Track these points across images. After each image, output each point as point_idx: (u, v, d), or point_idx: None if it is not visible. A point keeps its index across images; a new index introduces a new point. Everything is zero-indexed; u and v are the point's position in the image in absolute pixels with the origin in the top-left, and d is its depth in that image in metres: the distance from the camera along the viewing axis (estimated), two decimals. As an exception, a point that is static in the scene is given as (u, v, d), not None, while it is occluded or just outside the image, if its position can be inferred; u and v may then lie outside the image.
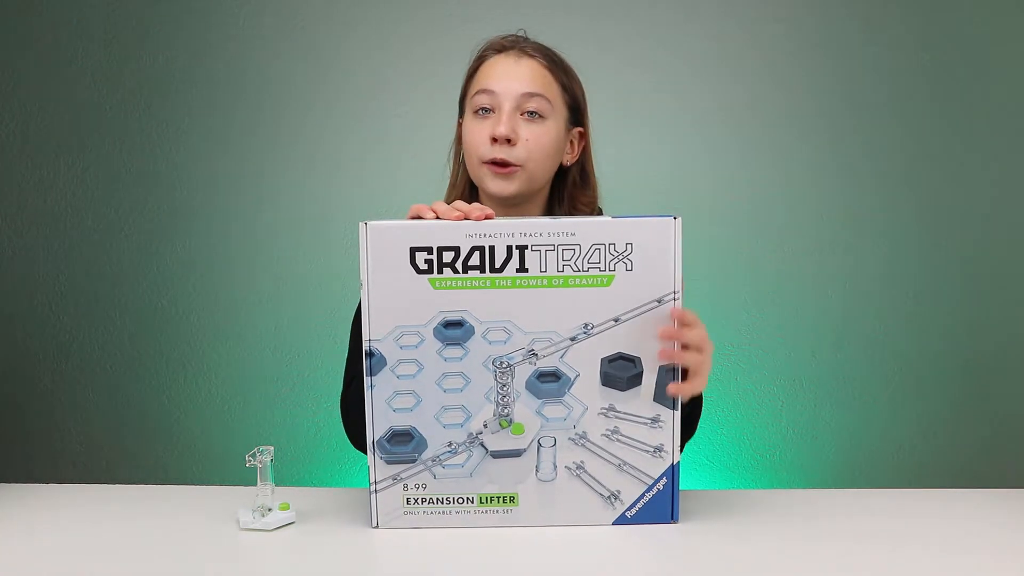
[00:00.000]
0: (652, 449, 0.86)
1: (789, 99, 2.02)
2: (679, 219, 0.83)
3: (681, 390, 0.86)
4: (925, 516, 0.89)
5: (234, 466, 1.99)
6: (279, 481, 0.90)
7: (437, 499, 0.87)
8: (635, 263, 0.83)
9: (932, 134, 2.02)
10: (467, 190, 1.13)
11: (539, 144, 1.04)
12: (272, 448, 0.89)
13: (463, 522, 0.87)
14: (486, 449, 0.86)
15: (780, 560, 0.79)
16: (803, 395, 2.06)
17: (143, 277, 2.08)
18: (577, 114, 1.11)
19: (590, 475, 0.86)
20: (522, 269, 0.84)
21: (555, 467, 0.86)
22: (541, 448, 0.86)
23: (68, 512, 0.93)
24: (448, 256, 0.84)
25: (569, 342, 0.85)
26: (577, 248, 0.84)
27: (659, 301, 0.84)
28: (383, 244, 0.84)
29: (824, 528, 0.86)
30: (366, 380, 0.87)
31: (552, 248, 0.84)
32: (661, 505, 0.87)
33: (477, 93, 1.05)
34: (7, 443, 2.11)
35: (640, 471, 0.86)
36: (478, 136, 1.04)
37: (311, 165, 2.05)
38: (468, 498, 0.87)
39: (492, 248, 0.84)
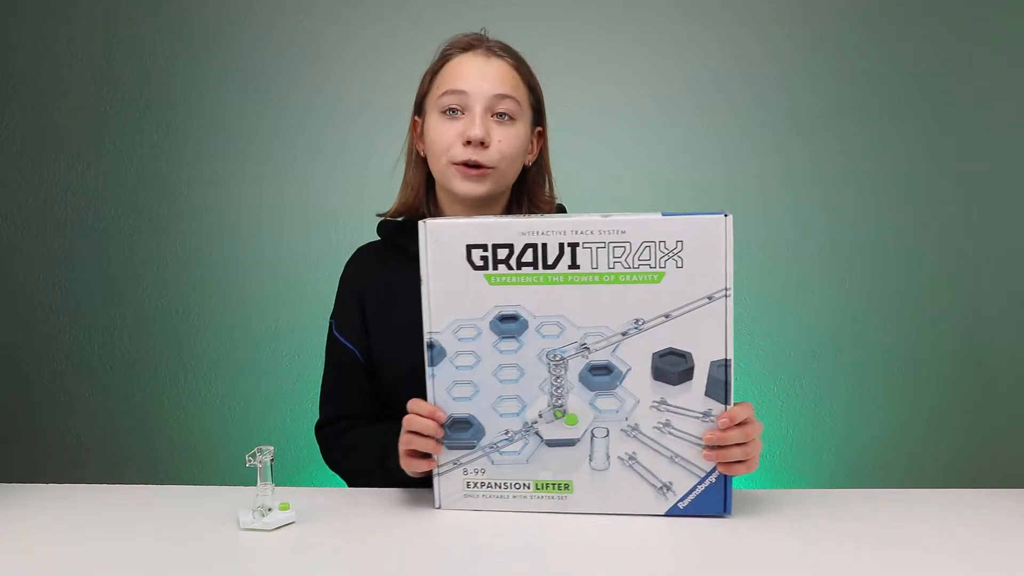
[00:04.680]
0: (704, 443, 0.87)
1: (793, 100, 2.02)
2: (730, 216, 0.83)
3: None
4: (924, 516, 0.89)
5: (234, 466, 2.00)
6: (279, 481, 0.90)
7: (495, 483, 0.91)
8: (685, 260, 0.84)
9: (935, 134, 2.02)
10: (423, 190, 1.13)
11: (511, 146, 1.05)
12: (272, 448, 0.89)
13: (520, 506, 0.90)
14: (541, 438, 0.89)
15: (780, 561, 0.79)
16: (803, 395, 2.06)
17: (143, 277, 2.08)
18: (539, 114, 1.12)
19: (642, 466, 0.88)
20: (574, 266, 0.86)
21: (608, 457, 0.88)
22: (594, 438, 0.88)
23: (68, 512, 0.93)
24: (503, 253, 0.87)
25: (620, 337, 0.86)
26: (628, 245, 0.85)
27: (710, 298, 0.84)
28: (441, 241, 0.88)
29: (824, 528, 0.86)
30: (427, 370, 0.90)
31: (603, 245, 0.85)
32: (714, 498, 0.87)
33: (446, 93, 1.04)
34: (7, 443, 2.11)
35: (692, 463, 0.87)
36: (447, 137, 1.04)
37: (312, 165, 2.05)
38: (524, 484, 0.90)
39: (545, 245, 0.86)
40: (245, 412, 2.10)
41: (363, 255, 1.19)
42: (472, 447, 0.90)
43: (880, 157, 2.03)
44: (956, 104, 2.01)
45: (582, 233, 0.85)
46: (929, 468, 2.07)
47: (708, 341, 0.85)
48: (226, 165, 2.06)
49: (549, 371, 0.88)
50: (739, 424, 0.86)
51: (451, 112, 1.04)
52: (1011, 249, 2.04)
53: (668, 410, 0.87)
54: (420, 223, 0.88)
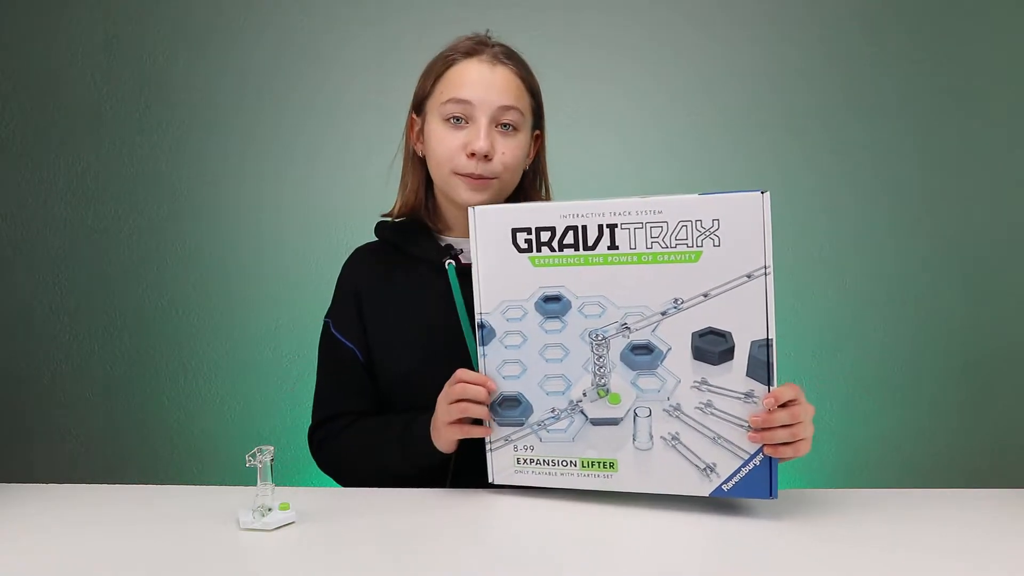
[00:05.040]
0: (747, 424, 0.85)
1: (790, 101, 2.02)
2: (767, 194, 0.82)
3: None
4: (924, 516, 0.89)
5: (234, 466, 2.01)
6: (279, 481, 0.90)
7: (543, 460, 0.93)
8: (723, 239, 0.83)
9: (934, 136, 2.02)
10: (422, 190, 1.13)
11: (513, 156, 1.05)
12: (272, 448, 0.89)
13: (567, 483, 0.93)
14: (586, 416, 0.91)
15: (777, 560, 0.79)
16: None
17: (143, 277, 2.08)
18: (538, 118, 1.11)
19: (685, 446, 0.87)
20: (613, 246, 0.87)
21: (651, 436, 0.89)
22: (637, 418, 0.89)
23: (68, 512, 0.93)
24: (545, 235, 0.89)
25: (660, 316, 0.86)
26: (665, 225, 0.85)
27: (749, 276, 0.83)
28: (488, 226, 0.91)
29: (823, 528, 0.86)
30: (479, 349, 0.93)
31: (641, 226, 0.86)
32: (759, 480, 0.86)
33: (450, 101, 1.03)
34: (7, 443, 2.11)
35: (735, 445, 0.86)
36: (451, 146, 1.03)
37: (312, 165, 2.05)
38: (571, 461, 0.92)
39: (585, 227, 0.87)
40: (245, 412, 2.10)
41: (361, 256, 1.19)
42: (521, 424, 0.93)
43: (879, 158, 2.03)
44: (954, 104, 2.01)
45: (620, 214, 0.86)
46: (929, 468, 2.07)
47: (748, 320, 0.84)
48: (226, 165, 2.06)
49: (592, 350, 0.89)
50: (785, 405, 0.84)
51: (455, 120, 1.03)
52: (1010, 249, 2.04)
53: (710, 390, 0.86)
54: (469, 209, 0.92)
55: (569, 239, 0.88)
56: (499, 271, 0.91)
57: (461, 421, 0.94)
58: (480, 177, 1.03)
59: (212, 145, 2.05)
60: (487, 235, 0.91)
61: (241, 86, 2.04)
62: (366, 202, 2.01)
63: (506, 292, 0.92)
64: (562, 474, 0.92)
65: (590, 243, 0.88)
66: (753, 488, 0.86)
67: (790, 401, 0.85)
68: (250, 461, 0.88)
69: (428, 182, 1.13)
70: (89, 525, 0.89)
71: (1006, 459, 2.06)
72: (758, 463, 0.86)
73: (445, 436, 0.96)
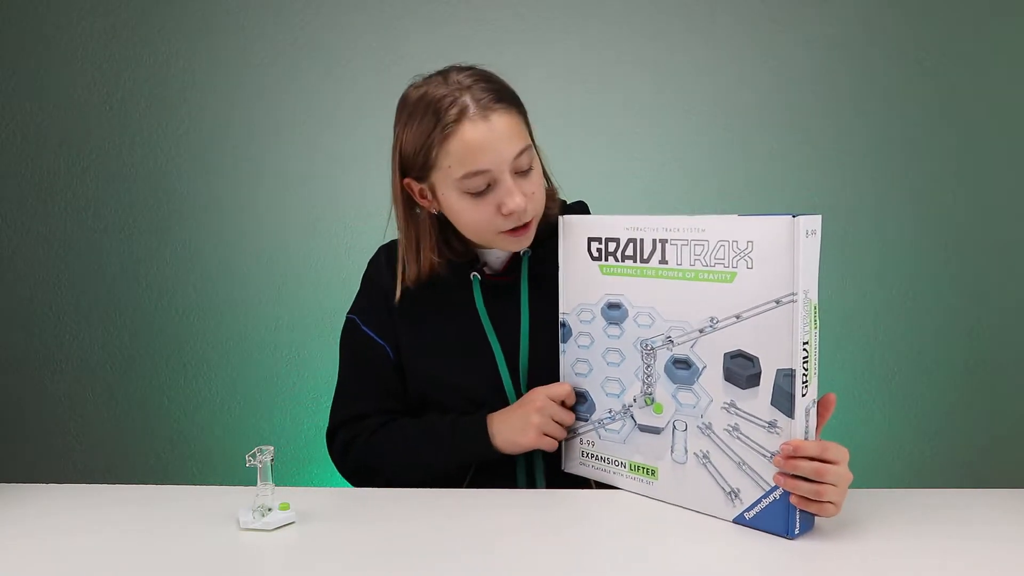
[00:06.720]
0: (769, 455, 0.84)
1: (786, 99, 2.02)
2: (799, 218, 0.79)
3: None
4: (924, 517, 0.89)
5: (234, 466, 2.01)
6: (279, 481, 0.90)
7: (600, 457, 0.99)
8: (755, 261, 0.83)
9: (931, 133, 2.02)
10: (436, 249, 1.06)
11: (540, 191, 1.02)
12: (272, 448, 0.89)
13: (617, 483, 0.98)
14: (635, 421, 0.95)
15: (775, 559, 0.79)
16: (803, 395, 2.06)
17: (143, 277, 2.08)
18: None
19: (714, 467, 0.89)
20: (663, 261, 0.90)
21: (686, 451, 0.91)
22: (675, 430, 0.92)
23: (68, 512, 0.93)
24: (612, 246, 0.95)
25: (698, 333, 0.89)
26: (706, 244, 0.87)
27: (777, 302, 0.81)
28: (571, 233, 0.99)
29: (822, 527, 0.86)
30: (560, 346, 1.01)
31: (686, 243, 0.88)
32: (778, 515, 0.83)
33: (467, 176, 0.96)
34: (7, 443, 2.11)
35: (757, 474, 0.85)
36: (486, 215, 0.98)
37: (311, 165, 2.05)
38: (621, 462, 0.97)
39: (642, 240, 0.92)
40: (245, 412, 2.10)
41: (387, 254, 1.14)
42: (586, 420, 1.00)
43: (877, 157, 2.02)
44: (956, 104, 2.01)
45: (670, 231, 0.90)
46: (929, 468, 2.07)
47: (775, 347, 0.82)
48: (226, 165, 2.06)
49: (642, 359, 0.93)
50: (813, 459, 0.81)
51: (479, 191, 0.97)
52: (1012, 248, 2.04)
53: (737, 414, 0.86)
54: (560, 218, 1.00)
55: (629, 251, 0.93)
56: (576, 276, 0.98)
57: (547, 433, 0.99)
58: (524, 226, 1.00)
59: (212, 144, 2.05)
60: (570, 242, 0.98)
61: (241, 85, 2.03)
62: (367, 202, 2.02)
63: (580, 296, 0.98)
64: (614, 472, 0.98)
65: (645, 256, 0.92)
66: (772, 522, 0.84)
67: (828, 461, 0.81)
68: (250, 461, 0.88)
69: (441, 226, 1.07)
70: (89, 525, 0.89)
71: (1006, 459, 2.06)
72: (778, 497, 0.83)
73: (528, 441, 0.98)
